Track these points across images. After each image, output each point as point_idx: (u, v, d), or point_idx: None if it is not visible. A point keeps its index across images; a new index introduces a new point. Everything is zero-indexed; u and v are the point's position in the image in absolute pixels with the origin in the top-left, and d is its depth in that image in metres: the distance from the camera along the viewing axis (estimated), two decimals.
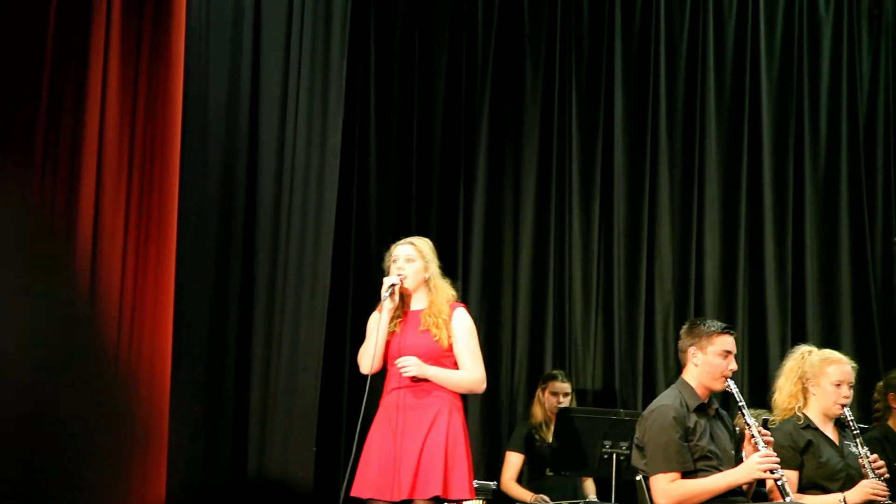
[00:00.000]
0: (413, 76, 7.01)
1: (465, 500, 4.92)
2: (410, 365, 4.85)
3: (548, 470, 6.13)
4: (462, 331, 4.98)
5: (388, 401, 4.92)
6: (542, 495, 6.31)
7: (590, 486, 6.56)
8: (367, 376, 4.92)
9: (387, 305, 4.95)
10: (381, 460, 4.81)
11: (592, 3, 7.40)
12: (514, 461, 6.55)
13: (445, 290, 5.06)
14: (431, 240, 6.80)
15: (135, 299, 5.17)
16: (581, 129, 7.29)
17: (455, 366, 4.96)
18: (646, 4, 7.45)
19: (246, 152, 6.20)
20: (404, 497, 4.76)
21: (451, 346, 4.94)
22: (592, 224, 7.25)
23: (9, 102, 4.91)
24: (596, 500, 6.32)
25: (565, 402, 6.53)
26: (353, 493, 4.85)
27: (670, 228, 7.32)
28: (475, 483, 6.02)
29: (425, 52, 7.08)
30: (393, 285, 4.96)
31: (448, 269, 6.83)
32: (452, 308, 5.02)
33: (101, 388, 5.03)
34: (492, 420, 6.93)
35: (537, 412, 6.61)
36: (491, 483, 6.13)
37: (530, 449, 6.52)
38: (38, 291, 4.90)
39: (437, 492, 4.75)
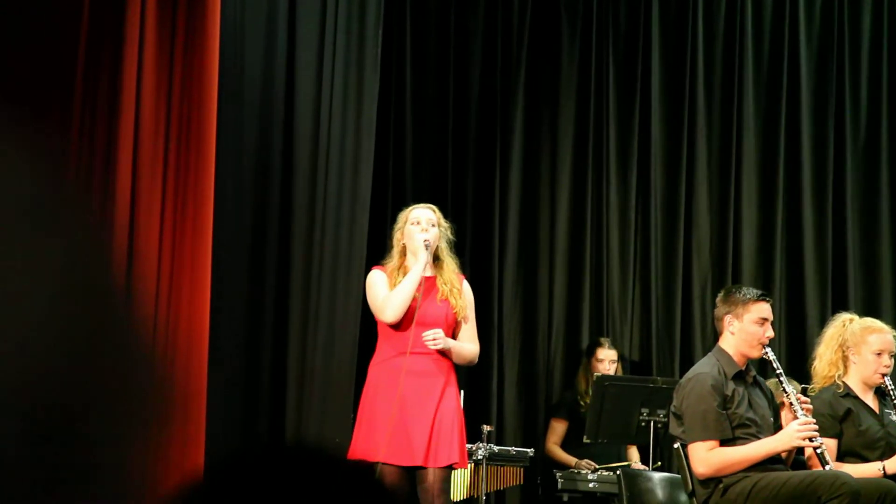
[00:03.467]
0: (448, 44, 6.97)
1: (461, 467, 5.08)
2: (440, 338, 4.85)
3: (585, 437, 6.14)
4: (469, 303, 5.05)
5: (394, 364, 4.86)
6: (586, 460, 6.34)
7: (634, 453, 6.58)
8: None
9: (422, 259, 4.91)
10: (390, 425, 4.75)
11: None
12: (558, 428, 6.60)
13: (453, 260, 5.09)
14: (468, 211, 6.88)
15: (172, 273, 5.18)
16: (618, 97, 7.23)
17: (453, 337, 4.98)
18: None
19: (282, 124, 6.18)
20: (419, 463, 4.74)
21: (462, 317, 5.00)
22: (630, 194, 7.20)
23: (45, 80, 4.92)
24: (640, 465, 6.32)
25: (611, 369, 6.52)
26: (361, 457, 4.77)
27: (708, 197, 7.26)
28: (514, 450, 6.10)
29: (461, 19, 7.02)
30: (427, 241, 4.93)
31: (485, 240, 6.92)
32: (460, 280, 5.06)
33: (138, 362, 5.07)
34: (529, 389, 6.93)
35: (581, 380, 6.62)
36: (528, 450, 6.15)
37: (574, 416, 6.54)
38: (73, 264, 4.93)
39: (455, 459, 4.78)
